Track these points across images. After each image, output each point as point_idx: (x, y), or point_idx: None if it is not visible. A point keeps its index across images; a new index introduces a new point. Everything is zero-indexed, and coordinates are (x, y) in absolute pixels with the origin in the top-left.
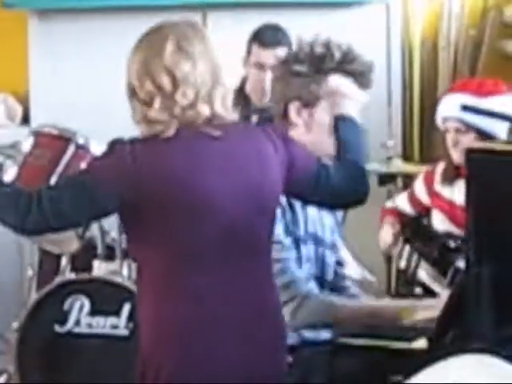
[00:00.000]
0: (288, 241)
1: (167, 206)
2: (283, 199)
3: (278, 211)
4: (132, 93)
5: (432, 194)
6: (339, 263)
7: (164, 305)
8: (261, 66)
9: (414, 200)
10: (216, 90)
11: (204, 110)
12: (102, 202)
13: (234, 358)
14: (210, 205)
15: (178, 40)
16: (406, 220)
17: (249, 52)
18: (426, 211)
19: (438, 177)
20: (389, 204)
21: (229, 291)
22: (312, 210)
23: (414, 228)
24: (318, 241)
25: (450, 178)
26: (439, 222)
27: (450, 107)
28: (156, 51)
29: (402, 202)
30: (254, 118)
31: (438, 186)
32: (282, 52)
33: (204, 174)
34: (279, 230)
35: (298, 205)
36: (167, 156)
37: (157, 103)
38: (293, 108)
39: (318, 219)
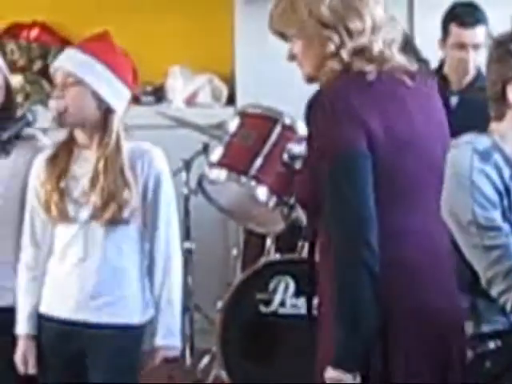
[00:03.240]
0: (507, 226)
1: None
2: (501, 186)
3: (497, 197)
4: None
5: None
6: None
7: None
8: (462, 46)
9: None
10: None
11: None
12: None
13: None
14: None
15: None
16: None
17: (446, 33)
18: None
19: None
20: None
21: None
22: None
23: None
24: None
25: None
26: None
27: None
28: None
29: None
30: (454, 100)
31: None
32: (480, 31)
33: (410, 119)
34: (496, 215)
35: None
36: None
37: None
38: (511, 89)
39: None
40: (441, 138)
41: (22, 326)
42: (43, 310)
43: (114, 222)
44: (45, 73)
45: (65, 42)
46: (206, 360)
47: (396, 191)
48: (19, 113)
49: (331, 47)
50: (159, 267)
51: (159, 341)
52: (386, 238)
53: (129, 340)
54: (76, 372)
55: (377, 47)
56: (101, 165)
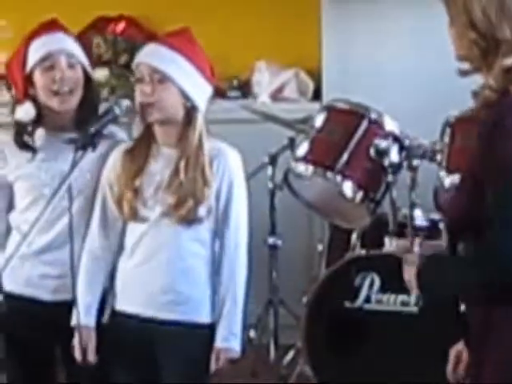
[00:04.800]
0: None
1: None
2: None
3: None
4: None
5: None
6: None
7: None
8: None
9: None
10: None
11: None
12: None
13: None
14: None
15: None
16: None
17: None
18: None
19: None
20: None
21: None
22: None
23: None
24: None
25: None
26: None
27: None
28: None
29: None
30: None
31: None
32: None
33: None
34: None
35: None
36: None
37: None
38: None
39: None
40: None
41: (82, 317)
42: (115, 305)
43: (189, 219)
44: (130, 66)
45: (151, 36)
46: (290, 355)
47: None
48: (105, 106)
49: (476, 53)
50: (225, 270)
51: (219, 343)
52: None
53: (198, 338)
54: (145, 368)
55: None
56: (182, 162)
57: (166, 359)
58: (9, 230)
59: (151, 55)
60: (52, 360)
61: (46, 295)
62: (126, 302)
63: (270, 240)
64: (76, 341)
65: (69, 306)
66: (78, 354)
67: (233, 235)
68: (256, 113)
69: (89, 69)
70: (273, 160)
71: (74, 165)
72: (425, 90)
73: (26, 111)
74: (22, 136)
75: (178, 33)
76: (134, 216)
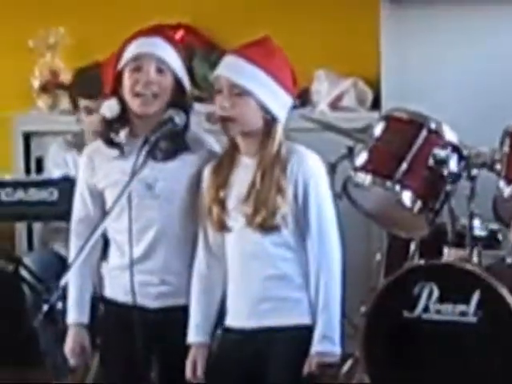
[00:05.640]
0: None
1: None
2: None
3: None
4: None
5: None
6: None
7: None
8: None
9: None
10: None
11: None
12: None
13: None
14: None
15: None
16: None
17: None
18: None
19: None
20: None
21: None
22: None
23: None
24: None
25: None
26: None
27: None
28: None
29: None
30: None
31: None
32: None
33: None
34: None
35: None
36: None
37: None
38: None
39: None
40: None
41: (192, 335)
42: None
43: (265, 227)
44: (189, 75)
45: (209, 44)
46: (348, 364)
47: None
48: (166, 115)
49: None
50: (312, 272)
51: (314, 346)
52: None
53: (300, 340)
54: (253, 379)
55: None
56: (259, 173)
57: (270, 365)
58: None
59: (230, 68)
60: (148, 366)
61: (146, 302)
62: (231, 316)
63: None
64: (189, 359)
65: (167, 312)
66: (188, 372)
67: (315, 236)
68: (315, 122)
69: (183, 78)
70: (331, 169)
71: (133, 173)
72: (484, 98)
73: (109, 107)
74: (108, 133)
75: (258, 43)
76: (221, 226)
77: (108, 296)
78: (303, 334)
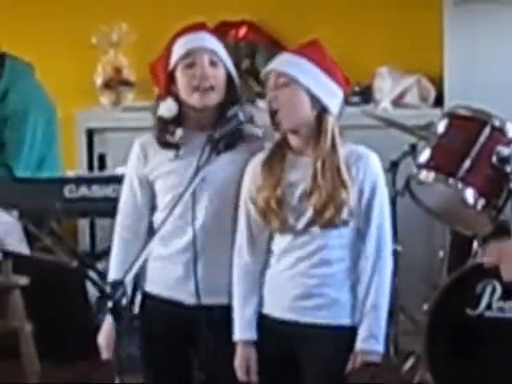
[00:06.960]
0: None
1: None
2: None
3: None
4: None
5: None
6: None
7: None
8: None
9: None
10: None
11: None
12: None
13: None
14: None
15: None
16: None
17: None
18: None
19: None
20: None
21: None
22: None
23: None
24: None
25: None
26: None
27: None
28: None
29: None
30: None
31: None
32: None
33: None
34: None
35: None
36: None
37: None
38: None
39: None
40: None
41: (242, 333)
42: (262, 310)
43: (333, 223)
44: (252, 72)
45: (272, 41)
46: (410, 361)
47: None
48: (232, 111)
49: None
50: (365, 272)
51: (359, 344)
52: None
53: (339, 340)
54: (287, 372)
55: None
56: (318, 167)
57: (306, 362)
58: (151, 230)
59: (277, 62)
60: (189, 362)
61: (186, 297)
62: (272, 307)
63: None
64: (238, 359)
65: (208, 310)
66: (240, 373)
67: (374, 236)
68: (377, 119)
69: (232, 70)
70: (394, 166)
71: (197, 171)
72: None
73: (168, 107)
74: (164, 134)
75: (308, 43)
76: (283, 226)
77: (146, 288)
78: (339, 335)
